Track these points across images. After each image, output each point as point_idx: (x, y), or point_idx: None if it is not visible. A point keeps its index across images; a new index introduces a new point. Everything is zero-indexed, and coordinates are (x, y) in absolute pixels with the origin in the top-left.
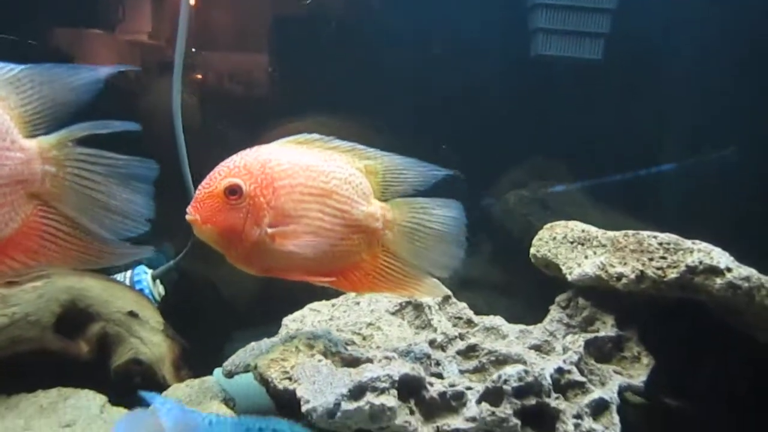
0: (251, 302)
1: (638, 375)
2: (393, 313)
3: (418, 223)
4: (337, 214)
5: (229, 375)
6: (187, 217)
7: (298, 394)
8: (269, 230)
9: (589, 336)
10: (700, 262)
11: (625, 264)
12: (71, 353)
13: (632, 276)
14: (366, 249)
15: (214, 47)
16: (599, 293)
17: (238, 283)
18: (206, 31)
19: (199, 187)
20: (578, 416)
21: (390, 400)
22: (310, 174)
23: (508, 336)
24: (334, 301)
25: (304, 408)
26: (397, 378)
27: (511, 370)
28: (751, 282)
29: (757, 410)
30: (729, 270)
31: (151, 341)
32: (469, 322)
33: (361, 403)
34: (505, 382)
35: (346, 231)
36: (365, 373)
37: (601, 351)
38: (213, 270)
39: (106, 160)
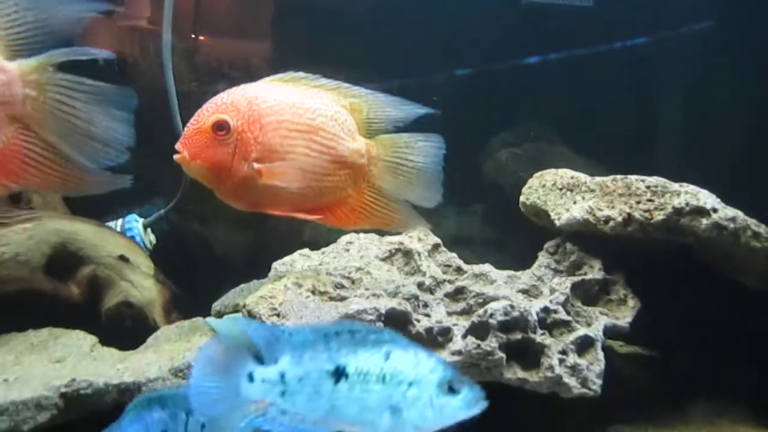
0: (243, 259)
1: (624, 317)
2: (383, 260)
3: (401, 157)
4: (324, 150)
5: (218, 315)
6: (175, 156)
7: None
8: (256, 165)
9: (576, 279)
10: (687, 204)
11: (613, 207)
12: (62, 295)
13: (619, 219)
14: (351, 185)
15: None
16: (587, 238)
17: (232, 241)
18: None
19: (188, 124)
20: (563, 352)
21: None
22: (296, 111)
23: (496, 281)
24: (324, 249)
25: None
26: (383, 311)
27: (496, 305)
28: (737, 223)
29: (742, 355)
30: (715, 210)
31: (142, 285)
32: (458, 270)
33: None
34: (491, 316)
35: (332, 167)
36: (352, 305)
37: (587, 294)
38: (207, 228)
39: (86, 87)
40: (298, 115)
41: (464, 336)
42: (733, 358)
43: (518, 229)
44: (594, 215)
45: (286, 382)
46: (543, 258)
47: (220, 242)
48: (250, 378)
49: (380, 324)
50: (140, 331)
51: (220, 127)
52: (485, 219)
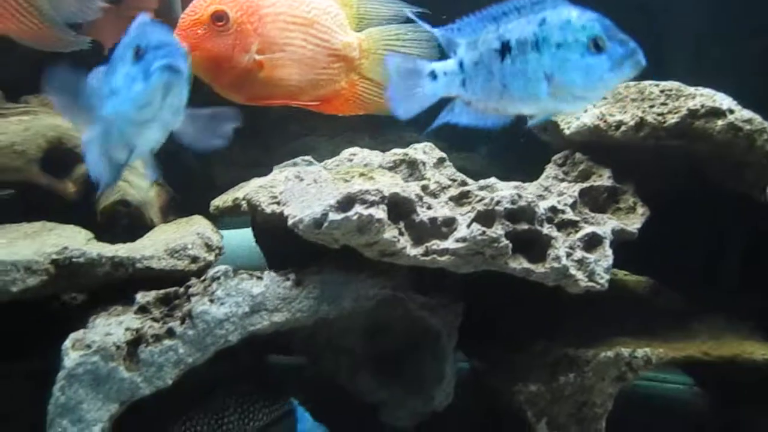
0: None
1: (633, 223)
2: (387, 169)
3: (392, 49)
4: (319, 42)
5: (217, 210)
6: None
7: (285, 212)
8: (257, 57)
9: (585, 185)
10: (702, 106)
11: (625, 112)
12: (57, 192)
13: (632, 123)
14: (345, 77)
15: None
16: (597, 148)
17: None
18: None
19: (182, 16)
20: (570, 247)
21: (379, 212)
22: (292, 3)
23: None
24: (326, 161)
25: (290, 222)
26: (387, 194)
27: (504, 193)
28: (753, 125)
29: (749, 274)
30: (731, 111)
31: (139, 186)
32: (463, 183)
33: (350, 213)
34: (498, 203)
35: (327, 60)
36: (354, 186)
37: (595, 201)
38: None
39: None
40: (293, 7)
41: (469, 225)
42: (741, 276)
43: (524, 167)
44: (605, 121)
45: (465, 69)
46: (551, 169)
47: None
48: (433, 76)
49: (384, 206)
50: (136, 231)
51: (219, 17)
52: (491, 159)
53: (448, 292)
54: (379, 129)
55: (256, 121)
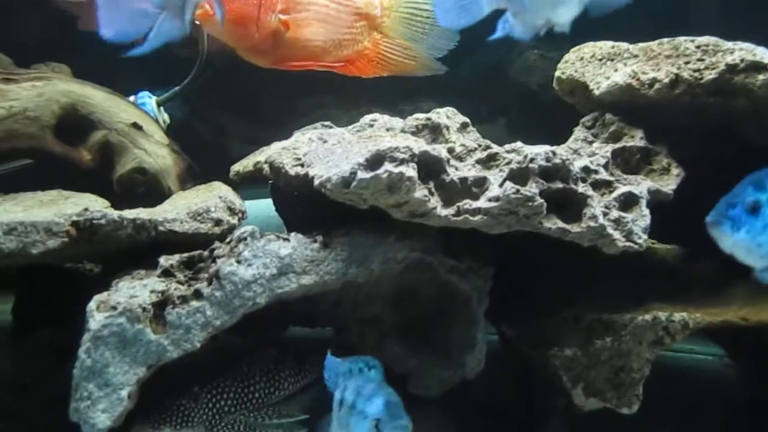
0: None
1: (667, 184)
2: (409, 134)
3: (413, 7)
4: (342, 1)
5: (237, 175)
6: (197, 11)
7: (311, 173)
8: (283, 17)
9: (617, 146)
10: (742, 60)
11: (659, 70)
12: (72, 159)
13: (666, 80)
14: (367, 37)
15: None
16: (628, 109)
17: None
18: None
19: None
20: (606, 207)
21: (409, 170)
22: None
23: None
24: (347, 127)
25: (316, 183)
26: (417, 152)
27: (538, 149)
28: None
29: None
30: None
31: (156, 153)
32: (489, 147)
33: (379, 171)
34: (531, 161)
35: (350, 19)
36: (384, 142)
37: (628, 163)
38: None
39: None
40: None
41: (502, 184)
42: None
43: (544, 138)
44: (638, 79)
45: None
46: (579, 132)
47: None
48: None
49: (413, 164)
50: (154, 199)
51: None
52: (510, 129)
53: (478, 257)
54: (397, 101)
55: (268, 96)
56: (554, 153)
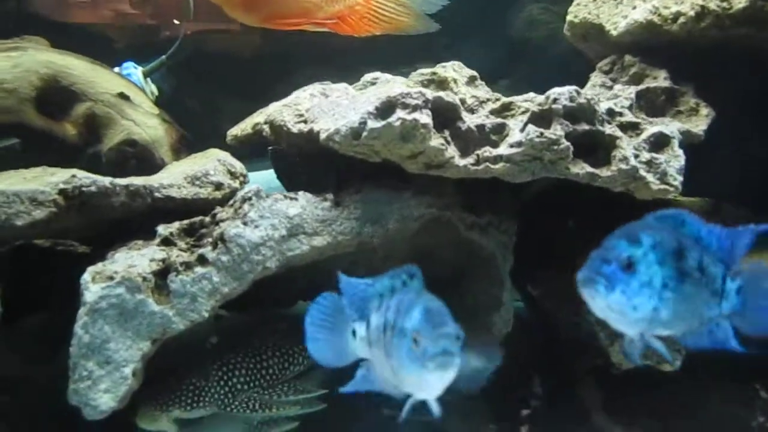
0: None
1: (698, 125)
2: None
3: None
4: None
5: (235, 139)
6: None
7: (316, 128)
8: None
9: (640, 87)
10: None
11: (682, 3)
12: (56, 135)
13: (691, 13)
14: None
15: None
16: (649, 48)
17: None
18: None
19: None
20: (636, 149)
21: (423, 117)
22: None
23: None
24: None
25: (323, 136)
26: (430, 98)
27: (561, 89)
28: None
29: None
30: None
31: (146, 124)
32: (498, 99)
33: (392, 119)
34: (555, 101)
35: None
36: (394, 89)
37: (652, 105)
38: None
39: None
40: None
41: (523, 128)
42: None
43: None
44: (659, 14)
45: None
46: (596, 78)
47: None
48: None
49: (427, 111)
50: (146, 173)
51: None
52: (514, 90)
53: (499, 211)
54: (392, 63)
55: (258, 71)
56: (578, 92)
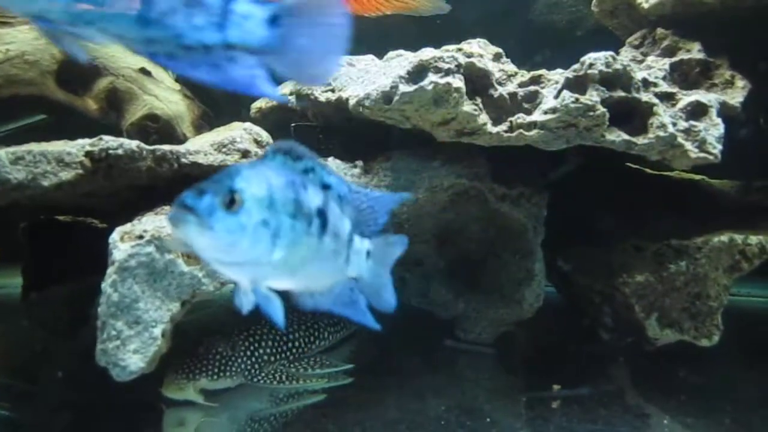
0: None
1: (734, 96)
2: None
3: None
4: None
5: (259, 112)
6: None
7: (344, 96)
8: None
9: (674, 59)
10: None
11: None
12: (78, 108)
13: None
14: None
15: None
16: (680, 21)
17: None
18: None
19: None
20: (673, 117)
21: (456, 81)
22: None
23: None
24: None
25: (352, 102)
26: (462, 63)
27: (597, 54)
28: None
29: None
30: None
31: (168, 99)
32: (526, 74)
33: (424, 83)
34: (591, 66)
35: None
36: (424, 52)
37: (686, 78)
38: None
39: None
40: None
41: (557, 94)
42: None
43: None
44: None
45: None
46: (626, 52)
47: None
48: None
49: (459, 77)
50: None
51: None
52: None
53: (530, 182)
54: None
55: None
56: (614, 57)
